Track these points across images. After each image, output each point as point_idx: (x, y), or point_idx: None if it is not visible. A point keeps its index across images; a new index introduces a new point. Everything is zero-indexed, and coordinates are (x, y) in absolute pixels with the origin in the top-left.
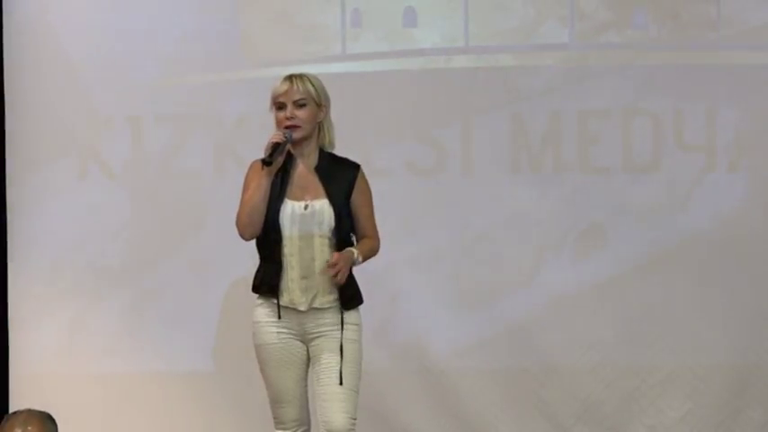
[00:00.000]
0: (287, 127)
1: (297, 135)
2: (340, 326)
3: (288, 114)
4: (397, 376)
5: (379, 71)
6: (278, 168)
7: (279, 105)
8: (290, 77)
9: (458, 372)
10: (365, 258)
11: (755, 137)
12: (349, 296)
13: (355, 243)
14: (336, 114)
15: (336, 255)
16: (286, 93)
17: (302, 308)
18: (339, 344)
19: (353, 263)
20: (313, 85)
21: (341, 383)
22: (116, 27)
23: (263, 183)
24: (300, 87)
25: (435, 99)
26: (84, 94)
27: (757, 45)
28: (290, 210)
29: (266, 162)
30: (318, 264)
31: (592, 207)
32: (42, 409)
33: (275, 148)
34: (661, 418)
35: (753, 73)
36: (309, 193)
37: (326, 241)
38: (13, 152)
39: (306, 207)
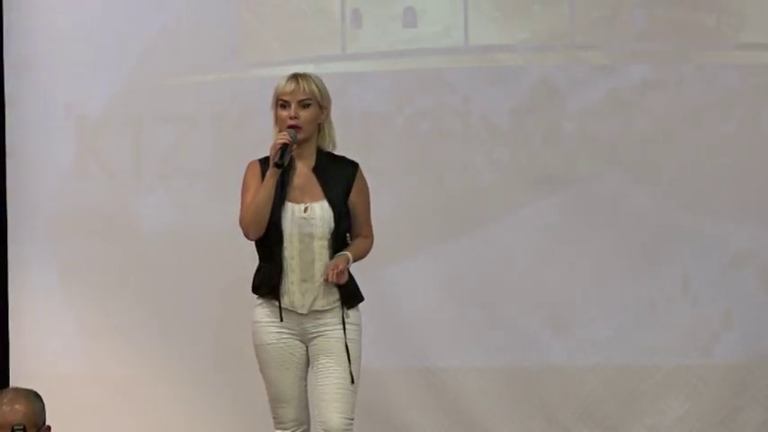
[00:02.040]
0: (290, 126)
1: (300, 136)
2: (342, 325)
3: (292, 114)
4: (397, 376)
5: (379, 71)
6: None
7: (282, 104)
8: (295, 77)
9: (458, 371)
10: (356, 260)
11: (755, 136)
12: (349, 295)
13: (349, 242)
14: (336, 114)
15: (333, 262)
16: (292, 92)
17: (302, 311)
18: (338, 343)
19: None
20: (317, 87)
21: (352, 382)
22: (116, 27)
23: (269, 183)
24: (306, 88)
25: (435, 99)
26: (84, 93)
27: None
28: (290, 212)
29: (277, 164)
30: (318, 266)
31: (591, 206)
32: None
33: (284, 149)
34: (661, 418)
35: (753, 57)
36: (308, 196)
37: (326, 243)
38: (13, 152)
39: (305, 210)
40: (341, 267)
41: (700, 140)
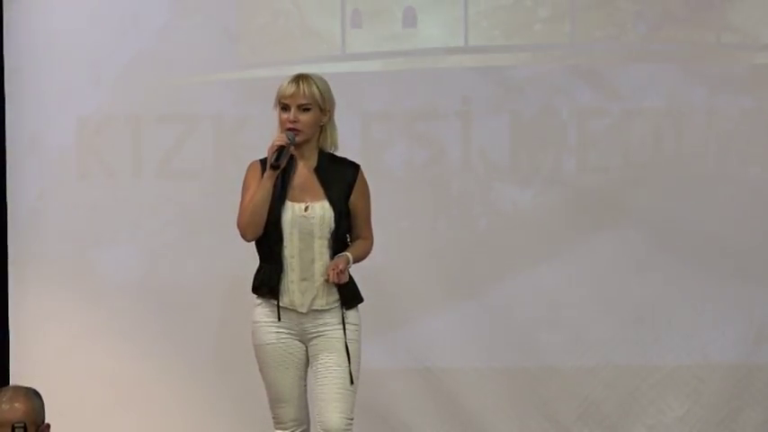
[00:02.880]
0: (289, 129)
1: (299, 139)
2: (342, 326)
3: (291, 118)
4: (397, 376)
5: (379, 71)
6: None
7: (283, 106)
8: (297, 80)
9: (458, 371)
10: (356, 261)
11: (755, 137)
12: (349, 296)
13: (349, 243)
14: (336, 114)
15: (334, 262)
16: (292, 96)
17: (302, 310)
18: (338, 343)
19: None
20: (319, 89)
21: (351, 383)
22: (116, 27)
23: (266, 184)
24: (306, 92)
25: (435, 99)
26: (84, 93)
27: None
28: (291, 212)
29: (273, 166)
30: (318, 265)
31: (592, 207)
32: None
33: (281, 151)
34: (661, 418)
35: (753, 72)
36: (309, 195)
37: (326, 242)
38: (13, 152)
39: (306, 209)
40: (341, 267)
41: (711, 172)
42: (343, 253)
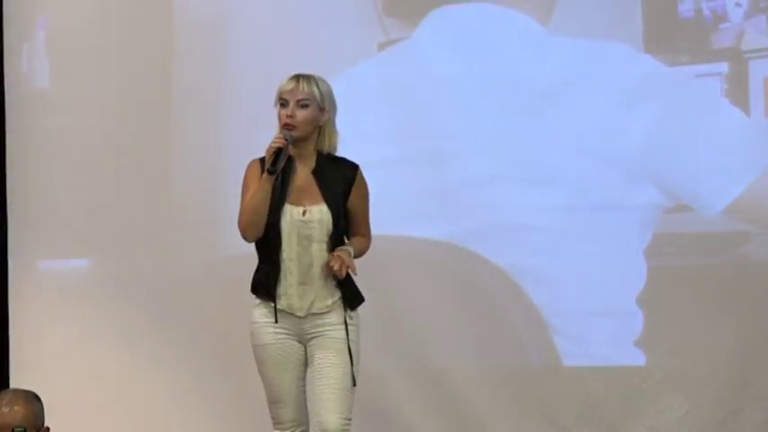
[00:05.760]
0: (285, 125)
1: (295, 134)
2: (343, 326)
3: (289, 113)
4: (397, 376)
5: (379, 71)
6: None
7: (282, 102)
8: (297, 77)
9: (458, 371)
10: (355, 257)
11: (755, 137)
12: (349, 296)
13: (347, 242)
14: (337, 113)
15: (334, 254)
16: (291, 91)
17: (300, 314)
18: (336, 343)
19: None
20: (318, 88)
21: (354, 384)
22: (116, 27)
23: (265, 186)
24: (305, 88)
25: (435, 99)
26: (84, 93)
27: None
28: (289, 216)
29: (270, 171)
30: (316, 269)
31: (592, 207)
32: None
33: (278, 154)
34: (661, 418)
35: (752, 72)
36: (307, 198)
37: (324, 246)
38: (13, 152)
39: (304, 213)
40: (347, 262)
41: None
42: (345, 247)
